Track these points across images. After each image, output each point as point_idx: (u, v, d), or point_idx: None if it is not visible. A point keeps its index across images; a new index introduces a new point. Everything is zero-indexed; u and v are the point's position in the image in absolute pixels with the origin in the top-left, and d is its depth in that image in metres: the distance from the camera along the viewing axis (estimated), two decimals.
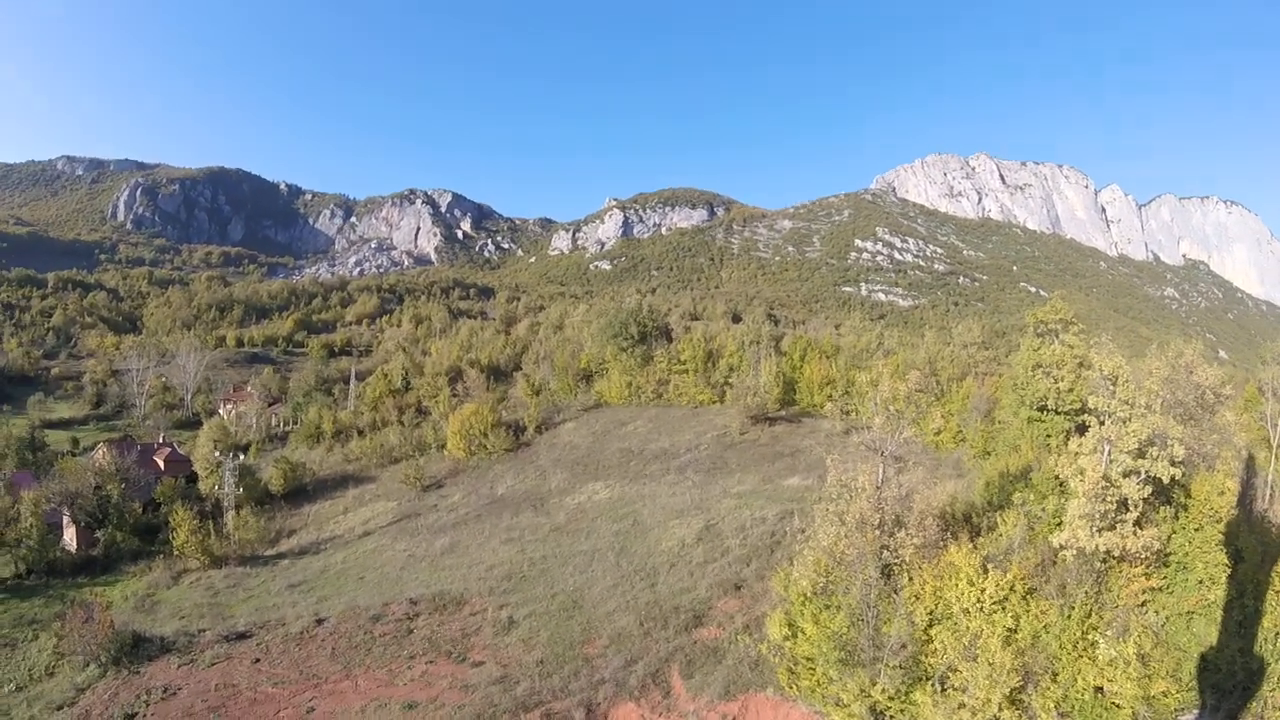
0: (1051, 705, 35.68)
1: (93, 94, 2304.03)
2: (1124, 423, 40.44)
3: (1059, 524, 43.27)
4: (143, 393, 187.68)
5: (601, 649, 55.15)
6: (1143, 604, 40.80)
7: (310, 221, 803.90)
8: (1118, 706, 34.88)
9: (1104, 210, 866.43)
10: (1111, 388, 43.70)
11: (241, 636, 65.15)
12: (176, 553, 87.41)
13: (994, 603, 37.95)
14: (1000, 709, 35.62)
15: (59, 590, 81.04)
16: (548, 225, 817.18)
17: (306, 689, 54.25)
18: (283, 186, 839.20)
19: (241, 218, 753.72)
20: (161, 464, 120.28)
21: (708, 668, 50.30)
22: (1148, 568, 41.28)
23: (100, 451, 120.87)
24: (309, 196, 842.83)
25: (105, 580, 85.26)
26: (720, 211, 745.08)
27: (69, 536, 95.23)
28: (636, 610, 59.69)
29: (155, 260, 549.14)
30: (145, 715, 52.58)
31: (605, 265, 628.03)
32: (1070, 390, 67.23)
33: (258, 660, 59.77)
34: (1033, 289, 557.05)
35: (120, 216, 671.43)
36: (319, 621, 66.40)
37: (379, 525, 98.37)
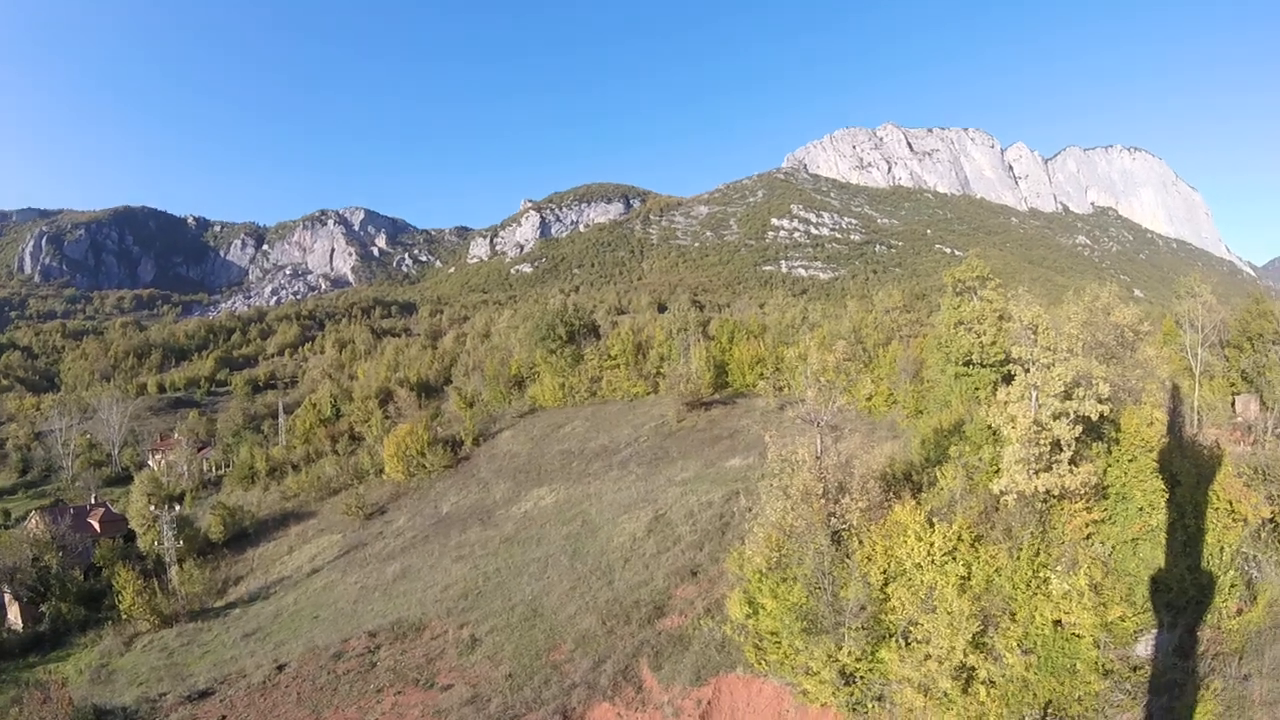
0: (1014, 644, 36.74)
1: None
2: (1048, 368, 41.72)
3: (996, 471, 44.45)
4: (69, 453, 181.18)
5: (568, 654, 55.30)
6: (1088, 537, 42.18)
7: (221, 254, 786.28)
8: (1078, 637, 36.10)
9: (1011, 168, 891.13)
10: (1033, 336, 45.19)
11: (204, 695, 63.82)
12: (125, 617, 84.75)
13: (944, 554, 38.92)
14: (965, 654, 36.64)
15: (11, 673, 77.63)
16: (464, 233, 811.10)
17: None
18: (190, 220, 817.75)
19: (151, 257, 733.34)
20: (97, 526, 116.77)
21: (676, 657, 50.69)
22: (1088, 502, 42.63)
23: (33, 521, 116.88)
24: (218, 228, 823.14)
25: (57, 656, 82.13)
26: (637, 203, 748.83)
27: (13, 615, 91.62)
28: (597, 610, 59.90)
29: (67, 311, 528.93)
30: None
31: (526, 268, 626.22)
32: (993, 343, 69.04)
33: (224, 717, 58.78)
34: (948, 250, 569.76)
35: (27, 269, 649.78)
36: (280, 668, 65.33)
37: (326, 560, 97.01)
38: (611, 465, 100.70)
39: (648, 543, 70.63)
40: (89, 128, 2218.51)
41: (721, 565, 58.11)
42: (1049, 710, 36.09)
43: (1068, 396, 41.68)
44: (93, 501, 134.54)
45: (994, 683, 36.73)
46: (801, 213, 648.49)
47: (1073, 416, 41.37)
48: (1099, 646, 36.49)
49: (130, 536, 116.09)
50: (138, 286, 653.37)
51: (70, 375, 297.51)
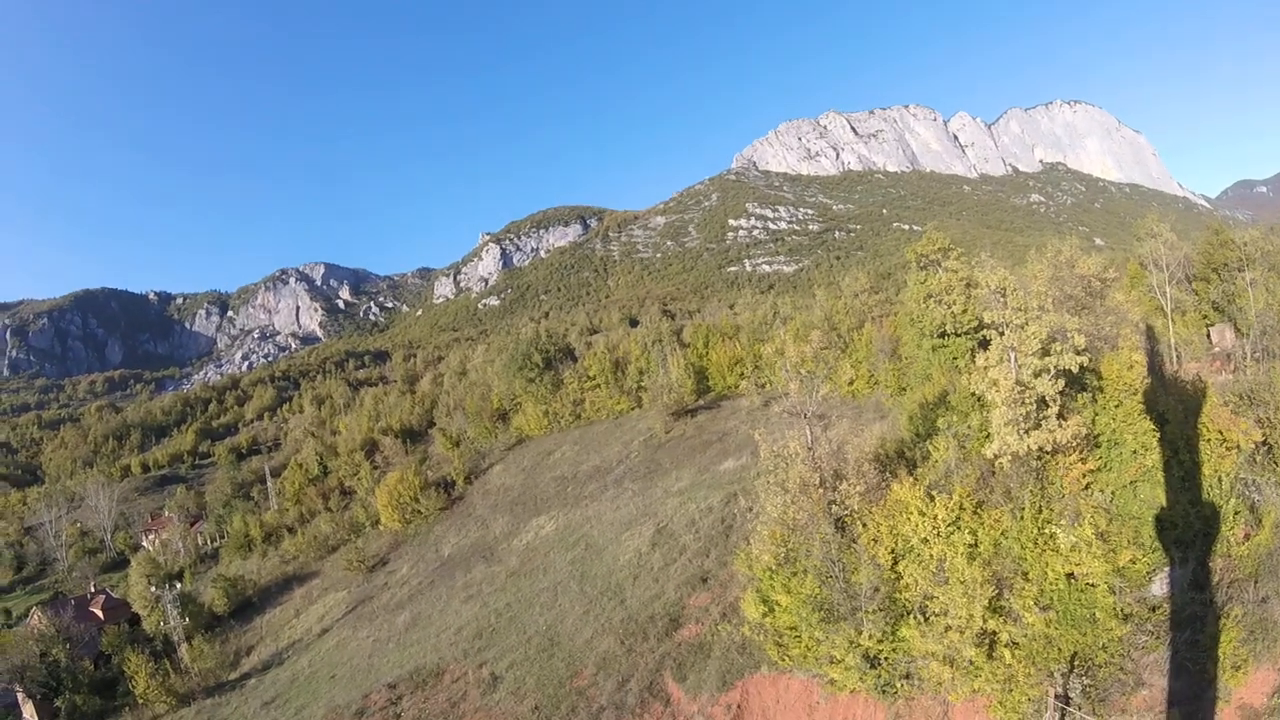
0: (1031, 602, 36.85)
1: None
2: (1022, 328, 41.90)
3: (987, 437, 44.48)
4: (61, 544, 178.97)
5: (591, 678, 55.07)
6: (1086, 487, 42.31)
7: (187, 325, 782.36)
8: (1092, 586, 36.21)
9: (956, 138, 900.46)
10: (1002, 299, 45.44)
11: None
12: (141, 701, 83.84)
13: (949, 525, 39.03)
14: (984, 620, 36.86)
15: None
16: (427, 274, 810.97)
17: None
18: (152, 296, 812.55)
19: (117, 338, 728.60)
20: (100, 613, 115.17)
21: (699, 665, 50.65)
22: (1082, 453, 42.79)
23: (35, 617, 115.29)
24: (180, 300, 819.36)
25: None
26: (594, 223, 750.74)
27: (28, 713, 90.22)
28: (614, 630, 59.73)
29: (40, 402, 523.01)
30: None
31: (493, 301, 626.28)
32: (964, 311, 69.61)
33: None
34: (906, 227, 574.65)
35: None
36: None
37: (335, 618, 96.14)
38: (606, 485, 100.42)
39: (654, 556, 70.44)
40: (39, 213, 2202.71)
41: (730, 568, 58.02)
42: (1075, 662, 36.29)
43: (1045, 353, 41.87)
44: (92, 590, 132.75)
45: (1017, 643, 36.91)
46: (757, 210, 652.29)
47: (1053, 372, 41.57)
48: (1114, 592, 36.67)
49: (135, 620, 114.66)
50: (107, 368, 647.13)
51: (52, 465, 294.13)
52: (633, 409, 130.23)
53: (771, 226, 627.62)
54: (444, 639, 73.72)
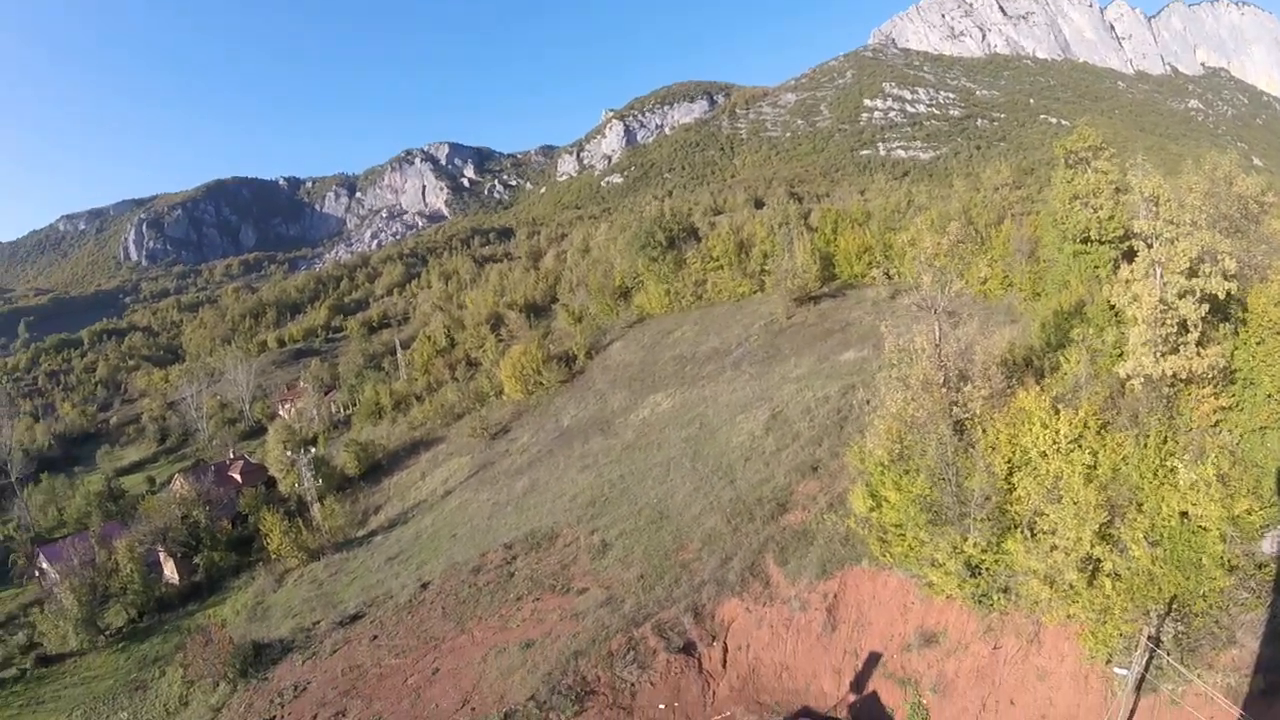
0: (1140, 535, 35.08)
1: (63, 147, 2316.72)
2: (1172, 243, 38.75)
3: (1121, 355, 42.24)
4: (201, 416, 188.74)
5: (695, 553, 56.01)
6: (1215, 424, 39.76)
7: (317, 208, 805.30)
8: (1204, 529, 34.02)
9: (1112, 28, 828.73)
10: (1154, 209, 41.88)
11: (355, 619, 67.10)
12: (274, 557, 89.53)
13: (1070, 442, 37.12)
14: (1091, 546, 35.46)
15: (173, 623, 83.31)
16: (550, 152, 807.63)
17: (427, 652, 55.91)
18: (281, 182, 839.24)
19: (250, 223, 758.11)
20: (238, 477, 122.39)
21: (800, 552, 50.99)
22: (1215, 387, 40.16)
23: (177, 482, 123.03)
24: (310, 184, 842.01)
25: (214, 601, 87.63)
26: (721, 99, 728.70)
27: (169, 570, 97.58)
28: (721, 509, 60.35)
29: (179, 288, 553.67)
30: (282, 716, 54.65)
31: (616, 179, 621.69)
32: (1111, 218, 65.03)
33: (375, 637, 61.59)
34: (1054, 120, 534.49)
35: (134, 256, 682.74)
36: (424, 586, 68.09)
37: (458, 481, 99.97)
38: (724, 367, 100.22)
39: (766, 441, 70.45)
40: (170, 111, 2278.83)
41: (842, 460, 57.28)
42: (1173, 605, 34.64)
43: (1193, 273, 38.75)
44: (231, 456, 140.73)
45: (1119, 575, 35.33)
46: (895, 91, 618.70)
47: (1198, 295, 38.53)
48: (1225, 541, 34.27)
49: (271, 483, 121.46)
50: (241, 253, 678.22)
51: (192, 345, 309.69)
52: (755, 292, 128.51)
53: (909, 109, 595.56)
54: (559, 505, 76.01)
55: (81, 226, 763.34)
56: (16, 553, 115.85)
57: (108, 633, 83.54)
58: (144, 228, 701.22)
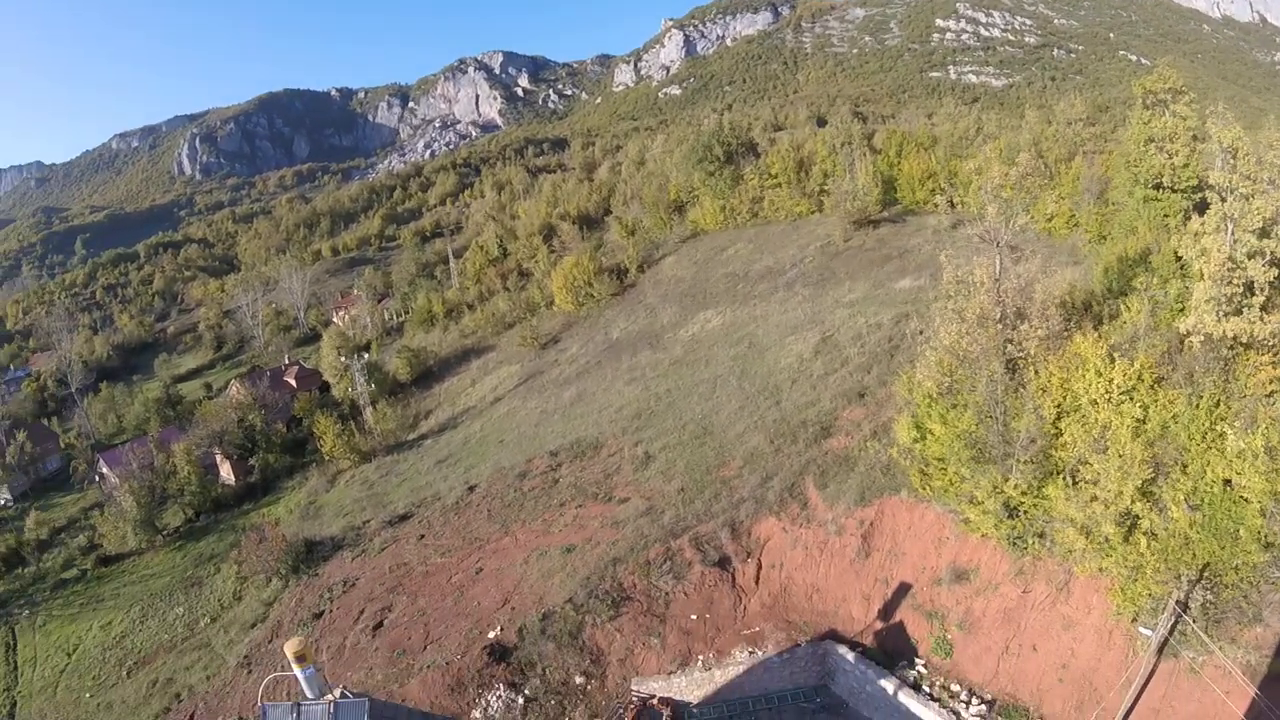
0: (1181, 497, 34.28)
1: (115, 67, 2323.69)
2: (1247, 200, 37.08)
3: (1182, 309, 40.86)
4: (257, 324, 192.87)
5: (737, 470, 56.47)
6: (1270, 394, 38.31)
7: (370, 118, 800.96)
8: (1246, 500, 33.09)
9: None
10: (1232, 161, 39.96)
11: (403, 519, 69.13)
12: (327, 458, 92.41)
13: (1122, 393, 36.23)
14: (1132, 501, 34.92)
15: (228, 522, 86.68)
16: (606, 61, 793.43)
17: (471, 552, 57.51)
18: (334, 93, 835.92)
19: (303, 134, 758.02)
20: (293, 382, 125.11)
21: (841, 477, 51.09)
22: (1275, 355, 38.84)
23: (234, 388, 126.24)
24: (362, 94, 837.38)
25: (268, 501, 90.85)
26: (786, 10, 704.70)
27: (225, 472, 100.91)
28: (765, 429, 60.58)
29: (233, 200, 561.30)
30: (332, 610, 56.88)
31: (674, 90, 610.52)
32: (1185, 165, 62.48)
33: (422, 536, 63.43)
34: (1133, 58, 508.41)
35: (187, 170, 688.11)
36: (470, 489, 69.79)
37: (507, 389, 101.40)
38: (777, 287, 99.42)
39: (815, 364, 70.18)
40: (221, 24, 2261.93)
41: (889, 388, 56.91)
42: (1205, 573, 34.12)
43: (1265, 234, 37.08)
44: (286, 362, 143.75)
45: (1156, 535, 34.80)
46: (969, 11, 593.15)
47: (1269, 256, 37.08)
48: (1264, 515, 33.48)
49: (325, 388, 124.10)
50: (295, 164, 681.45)
51: (247, 255, 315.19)
52: (812, 213, 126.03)
53: (983, 33, 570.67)
54: (605, 416, 76.94)
55: (135, 144, 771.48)
56: (78, 459, 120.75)
57: (165, 533, 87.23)
58: (197, 142, 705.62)
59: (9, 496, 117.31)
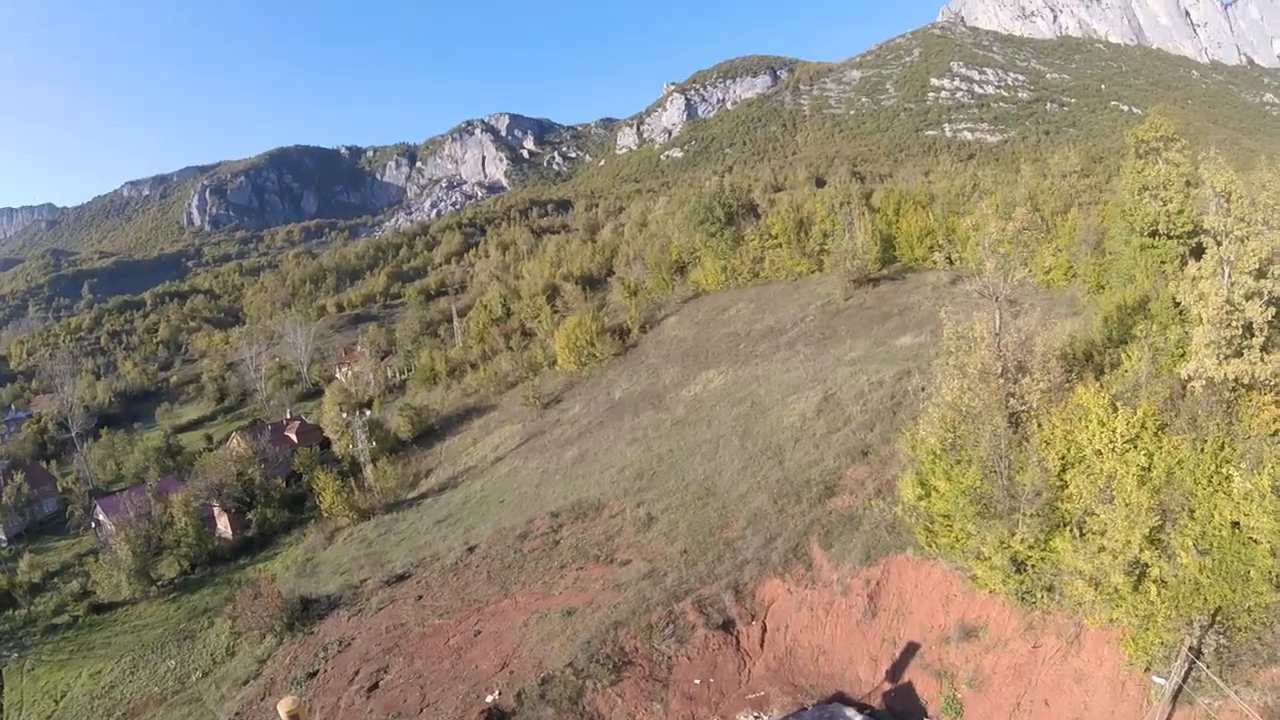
0: (1190, 543, 34.03)
1: (130, 119, 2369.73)
2: (1242, 242, 37.47)
3: (1183, 354, 40.96)
4: (260, 377, 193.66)
5: (740, 531, 55.94)
6: (1274, 434, 38.29)
7: (378, 177, 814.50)
8: (1255, 542, 32.90)
9: (1188, 14, 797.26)
10: (1225, 205, 40.51)
11: (401, 578, 68.30)
12: (326, 515, 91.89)
13: (1126, 442, 36.04)
14: (1140, 549, 34.56)
15: (224, 576, 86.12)
16: (610, 124, 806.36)
17: (470, 614, 56.65)
18: (343, 150, 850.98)
19: (311, 190, 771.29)
20: (294, 437, 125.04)
21: (845, 536, 50.54)
22: (1277, 395, 38.92)
23: (234, 440, 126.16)
24: (371, 153, 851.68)
25: (265, 556, 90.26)
26: (784, 74, 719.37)
27: (222, 525, 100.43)
28: (768, 489, 60.13)
29: (240, 253, 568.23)
30: (326, 670, 55.87)
31: (676, 153, 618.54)
32: (1180, 212, 62.97)
33: (420, 597, 62.57)
34: (1125, 108, 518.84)
35: (196, 221, 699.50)
36: (470, 549, 69.04)
37: (508, 449, 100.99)
38: (779, 346, 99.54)
39: (818, 423, 69.85)
40: (232, 82, 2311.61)
41: (893, 446, 56.56)
42: (1217, 617, 33.74)
43: (1262, 274, 37.36)
44: (288, 416, 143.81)
45: (1166, 582, 34.31)
46: (963, 70, 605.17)
47: (1266, 297, 37.28)
48: (1275, 555, 33.25)
49: (326, 444, 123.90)
50: (302, 219, 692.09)
51: (253, 308, 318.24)
52: (813, 272, 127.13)
53: (977, 90, 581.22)
54: (607, 476, 76.40)
55: (145, 192, 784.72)
56: (74, 504, 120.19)
57: (160, 583, 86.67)
58: (207, 194, 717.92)
59: (3, 537, 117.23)
